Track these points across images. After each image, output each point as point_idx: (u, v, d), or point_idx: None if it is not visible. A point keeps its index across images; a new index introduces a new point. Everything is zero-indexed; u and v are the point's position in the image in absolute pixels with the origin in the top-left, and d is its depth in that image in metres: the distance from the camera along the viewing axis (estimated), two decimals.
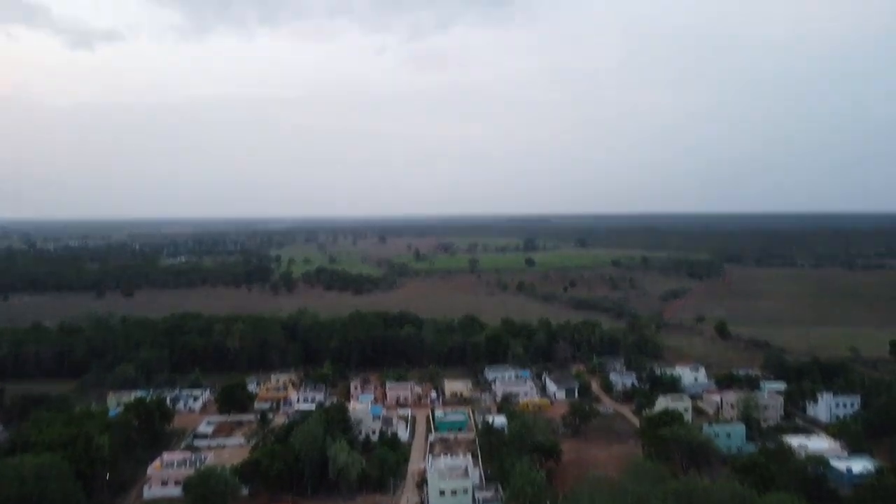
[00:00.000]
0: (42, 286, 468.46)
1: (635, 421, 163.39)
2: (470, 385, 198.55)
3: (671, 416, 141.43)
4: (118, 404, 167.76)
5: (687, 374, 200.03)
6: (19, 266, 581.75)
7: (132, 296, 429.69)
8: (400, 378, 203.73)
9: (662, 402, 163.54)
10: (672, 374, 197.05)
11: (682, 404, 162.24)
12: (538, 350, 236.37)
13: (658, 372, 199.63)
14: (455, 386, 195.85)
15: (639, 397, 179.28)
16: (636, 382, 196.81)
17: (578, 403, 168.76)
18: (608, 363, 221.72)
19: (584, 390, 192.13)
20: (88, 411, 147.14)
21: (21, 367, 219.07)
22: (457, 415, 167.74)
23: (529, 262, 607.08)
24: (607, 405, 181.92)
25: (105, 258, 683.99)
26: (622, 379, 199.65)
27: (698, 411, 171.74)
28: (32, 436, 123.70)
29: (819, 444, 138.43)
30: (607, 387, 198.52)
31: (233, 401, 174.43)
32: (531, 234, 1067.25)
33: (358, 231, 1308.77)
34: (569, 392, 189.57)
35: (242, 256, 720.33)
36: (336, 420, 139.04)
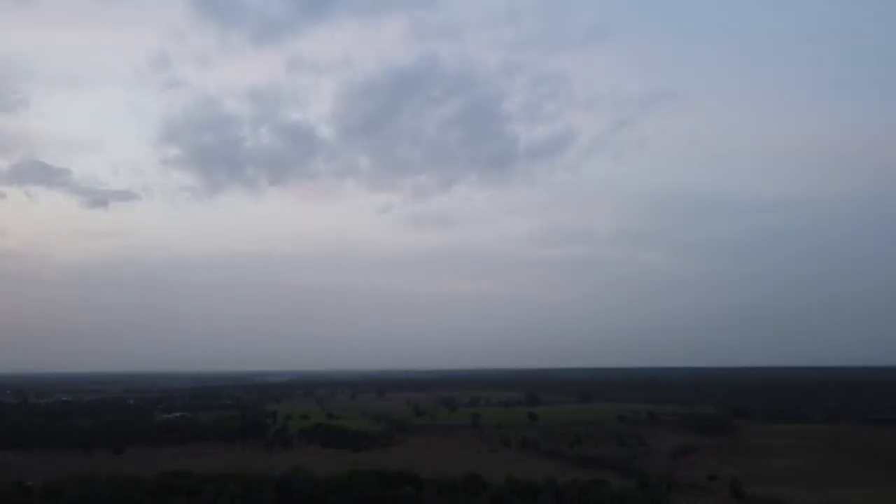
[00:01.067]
0: (29, 442, 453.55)
1: None
2: None
3: None
4: None
5: None
6: (7, 422, 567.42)
7: (122, 453, 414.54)
8: None
9: None
10: None
11: None
12: None
13: None
14: None
15: None
16: None
17: None
18: None
19: None
20: None
21: None
22: None
23: (532, 417, 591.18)
24: None
25: (97, 413, 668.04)
26: None
27: None
28: None
29: None
30: None
31: None
32: (533, 387, 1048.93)
33: (357, 385, 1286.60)
34: None
35: (239, 411, 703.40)
36: None
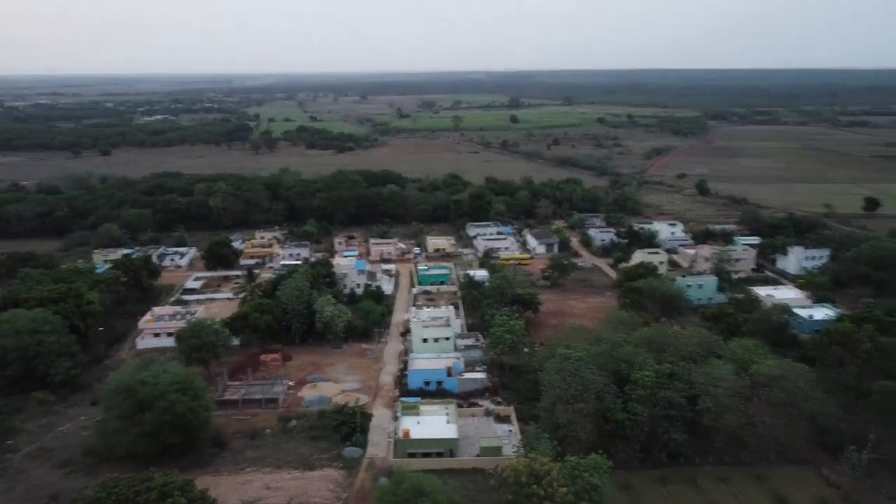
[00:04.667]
0: (16, 146, 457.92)
1: (612, 274, 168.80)
2: (452, 241, 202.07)
3: (646, 269, 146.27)
4: (105, 262, 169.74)
5: (665, 230, 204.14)
6: None
7: (109, 155, 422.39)
8: (383, 235, 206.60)
9: (639, 256, 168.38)
10: (650, 230, 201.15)
11: (657, 258, 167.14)
12: (520, 208, 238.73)
13: (636, 228, 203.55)
14: (438, 242, 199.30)
15: (616, 252, 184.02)
16: (615, 238, 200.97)
17: (557, 258, 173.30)
18: (588, 220, 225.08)
19: (564, 246, 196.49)
20: (76, 269, 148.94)
21: (3, 227, 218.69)
22: (439, 269, 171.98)
23: (514, 121, 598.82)
24: (586, 260, 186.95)
25: (78, 117, 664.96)
26: (601, 235, 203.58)
27: (674, 264, 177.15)
28: (22, 292, 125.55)
29: (786, 294, 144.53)
30: (586, 242, 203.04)
31: (219, 258, 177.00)
32: (517, 91, 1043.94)
33: (339, 89, 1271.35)
34: (548, 247, 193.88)
35: (221, 115, 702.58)
36: (321, 275, 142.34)
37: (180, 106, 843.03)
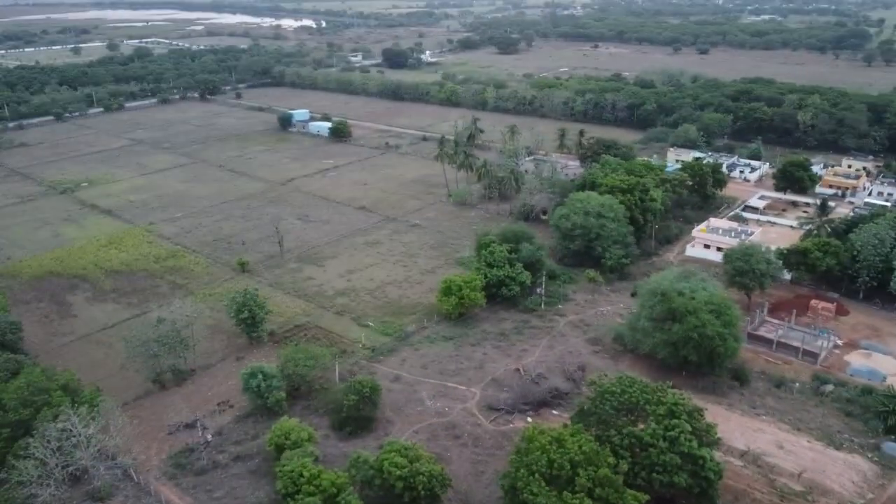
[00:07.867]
0: (626, 38, 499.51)
1: None
2: None
3: None
4: (676, 161, 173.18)
5: None
6: (609, 19, 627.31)
7: (706, 54, 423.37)
8: None
9: None
10: None
11: None
12: None
13: None
14: None
15: None
16: None
17: None
18: None
19: None
20: (648, 164, 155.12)
21: (599, 113, 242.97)
22: None
23: None
24: None
25: (686, 13, 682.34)
26: None
27: None
28: (599, 177, 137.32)
29: None
30: None
31: (792, 179, 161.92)
32: None
33: None
34: None
35: (836, 17, 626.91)
36: None
37: (791, 6, 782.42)
